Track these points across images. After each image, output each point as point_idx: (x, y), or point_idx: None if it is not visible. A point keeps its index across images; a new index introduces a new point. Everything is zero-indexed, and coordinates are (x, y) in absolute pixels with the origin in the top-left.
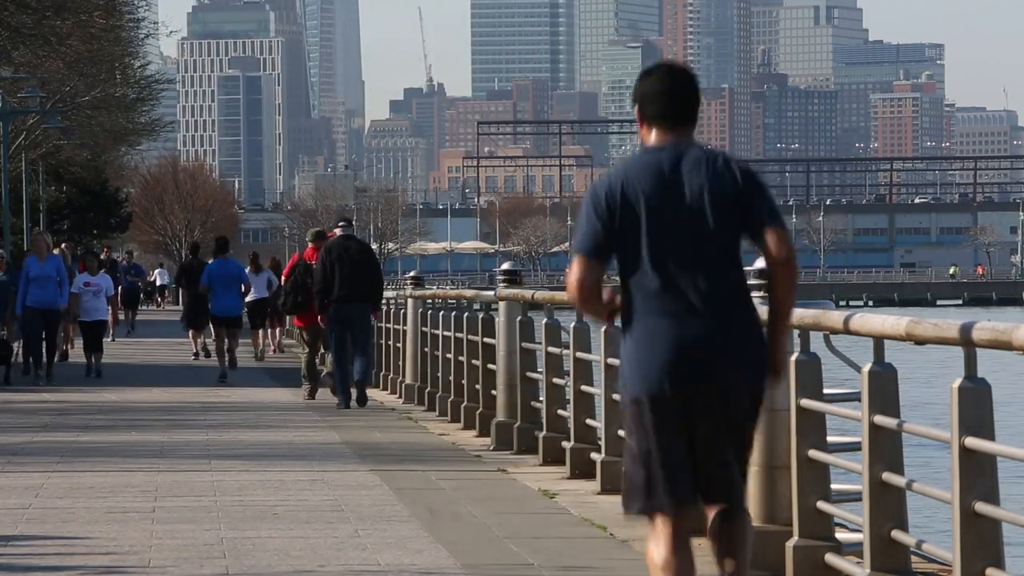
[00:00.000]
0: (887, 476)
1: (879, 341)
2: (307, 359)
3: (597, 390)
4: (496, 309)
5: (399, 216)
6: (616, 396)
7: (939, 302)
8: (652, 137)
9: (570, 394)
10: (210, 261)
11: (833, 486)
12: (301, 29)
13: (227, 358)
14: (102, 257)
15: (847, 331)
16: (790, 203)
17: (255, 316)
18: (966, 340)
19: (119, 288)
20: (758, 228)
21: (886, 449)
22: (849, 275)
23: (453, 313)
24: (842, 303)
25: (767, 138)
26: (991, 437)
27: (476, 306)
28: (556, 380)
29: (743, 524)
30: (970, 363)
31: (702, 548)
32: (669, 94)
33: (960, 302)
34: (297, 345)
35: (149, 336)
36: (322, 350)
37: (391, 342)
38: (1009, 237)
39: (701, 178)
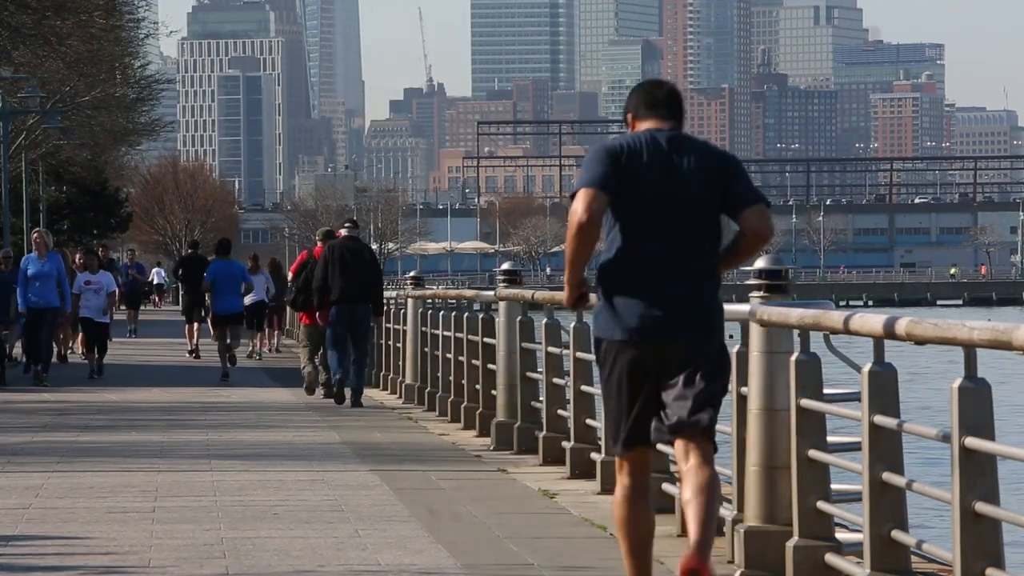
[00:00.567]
0: (887, 476)
1: (879, 341)
2: (308, 354)
3: (597, 390)
4: (496, 309)
5: (399, 216)
6: None
7: (939, 302)
8: (647, 125)
9: (570, 394)
10: (211, 259)
11: (833, 486)
12: (301, 29)
13: (228, 357)
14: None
15: (847, 331)
16: (790, 203)
17: (252, 317)
18: (966, 340)
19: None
20: (740, 205)
21: (886, 449)
22: (849, 275)
23: (453, 313)
24: (842, 303)
25: (767, 138)
26: (991, 437)
27: (476, 306)
28: (556, 380)
29: (712, 464)
30: (970, 363)
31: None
32: (664, 96)
33: (960, 302)
34: (297, 345)
35: (149, 336)
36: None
37: (391, 342)
38: (1009, 237)
39: (692, 158)
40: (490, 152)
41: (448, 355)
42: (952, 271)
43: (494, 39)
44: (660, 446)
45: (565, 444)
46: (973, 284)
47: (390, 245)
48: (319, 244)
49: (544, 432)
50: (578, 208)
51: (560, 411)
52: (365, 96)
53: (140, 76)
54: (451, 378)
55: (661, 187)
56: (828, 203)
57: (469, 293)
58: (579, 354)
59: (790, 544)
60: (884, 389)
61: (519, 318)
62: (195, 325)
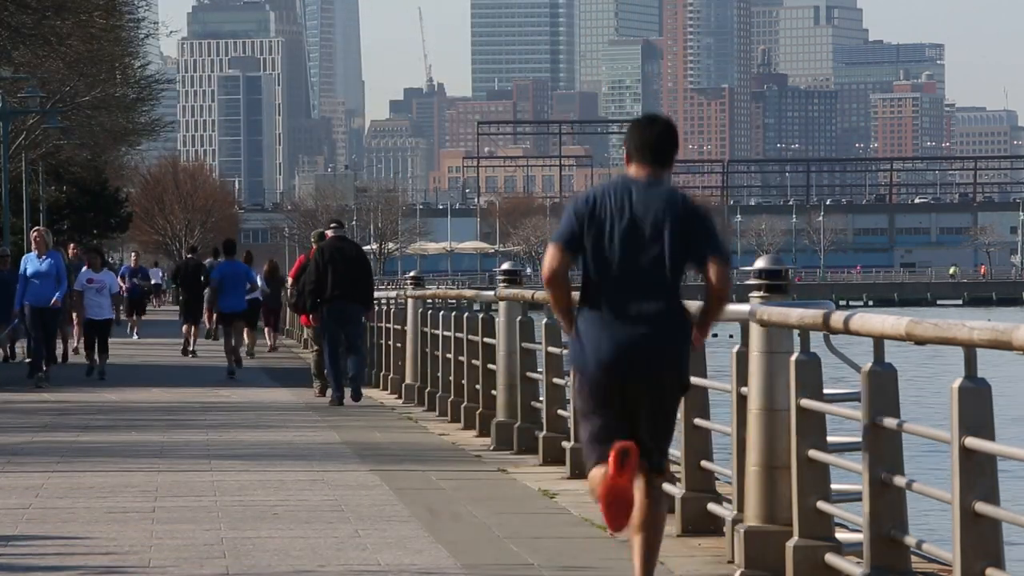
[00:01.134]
0: (887, 476)
1: (879, 341)
2: (316, 358)
3: None
4: (496, 309)
5: (399, 216)
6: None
7: (939, 302)
8: (632, 169)
9: (570, 394)
10: (220, 260)
11: (833, 486)
12: (301, 29)
13: (233, 356)
14: None
15: (847, 331)
16: (790, 203)
17: (247, 316)
18: (966, 340)
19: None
20: (702, 258)
21: (886, 449)
22: (849, 275)
23: (453, 313)
24: (842, 303)
25: (767, 138)
26: (991, 437)
27: (476, 306)
28: (556, 380)
29: (659, 498)
30: (970, 363)
31: (702, 548)
32: (653, 139)
33: (960, 302)
34: (297, 345)
35: (149, 336)
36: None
37: (391, 342)
38: (1009, 237)
39: (662, 209)
40: (490, 152)
41: (448, 355)
42: (951, 271)
43: (494, 39)
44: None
45: (565, 444)
46: (973, 284)
47: (390, 245)
48: (314, 246)
49: (544, 432)
50: (545, 267)
51: (560, 411)
52: (365, 96)
53: (140, 76)
54: (451, 378)
55: (626, 235)
56: (828, 203)
57: (469, 293)
58: None
59: (790, 544)
60: (884, 389)
61: (519, 318)
62: (192, 326)
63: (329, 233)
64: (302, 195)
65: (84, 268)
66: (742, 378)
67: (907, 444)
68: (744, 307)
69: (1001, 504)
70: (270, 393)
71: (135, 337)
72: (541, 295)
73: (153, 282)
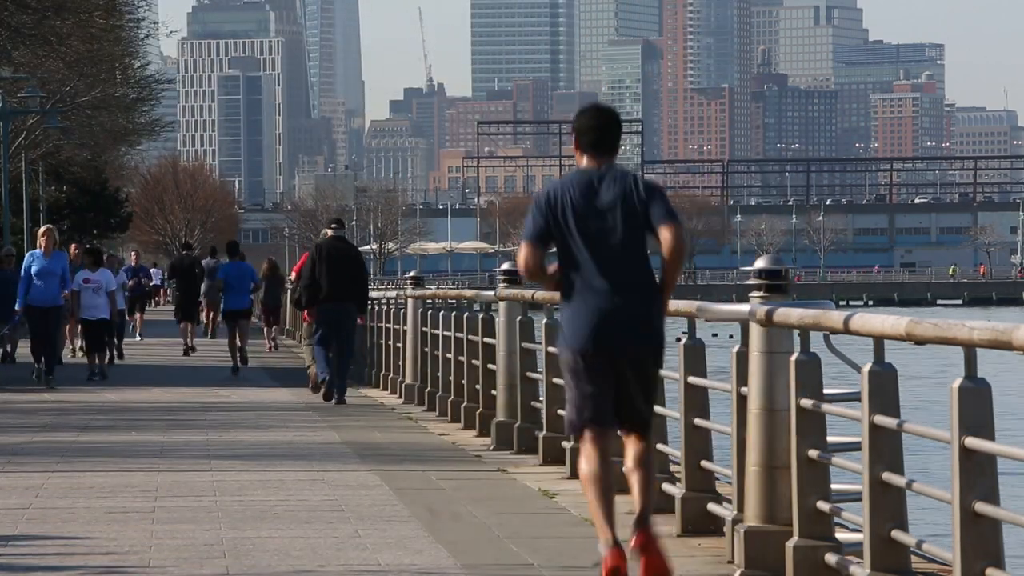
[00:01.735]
0: (887, 476)
1: (879, 341)
2: (308, 353)
3: None
4: (496, 309)
5: (399, 216)
6: None
7: (939, 302)
8: (584, 161)
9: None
10: (217, 259)
11: (833, 486)
12: (301, 29)
13: (240, 355)
14: None
15: (847, 331)
16: (790, 203)
17: (250, 314)
18: (966, 340)
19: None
20: (658, 224)
21: (886, 449)
22: (849, 275)
23: (453, 313)
24: (842, 303)
25: (767, 138)
26: (991, 437)
27: (476, 306)
28: (556, 380)
29: (648, 446)
30: (970, 363)
31: (702, 548)
32: (600, 132)
33: (960, 302)
34: (297, 345)
35: (149, 336)
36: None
37: (391, 342)
38: (1009, 237)
39: (619, 192)
40: (490, 152)
41: (448, 355)
42: (951, 270)
43: (494, 39)
44: (663, 448)
45: (565, 444)
46: (973, 284)
47: (390, 245)
48: None
49: (544, 432)
50: (520, 264)
51: (560, 411)
52: (365, 96)
53: (140, 76)
54: (451, 378)
55: (589, 222)
56: (828, 203)
57: (469, 293)
58: None
59: (790, 544)
60: (884, 389)
61: (519, 318)
62: (189, 324)
63: (329, 232)
64: (302, 195)
65: (82, 268)
66: (742, 378)
67: (907, 444)
68: (744, 307)
69: (1001, 504)
70: (270, 393)
71: (138, 337)
72: (541, 295)
73: (153, 282)
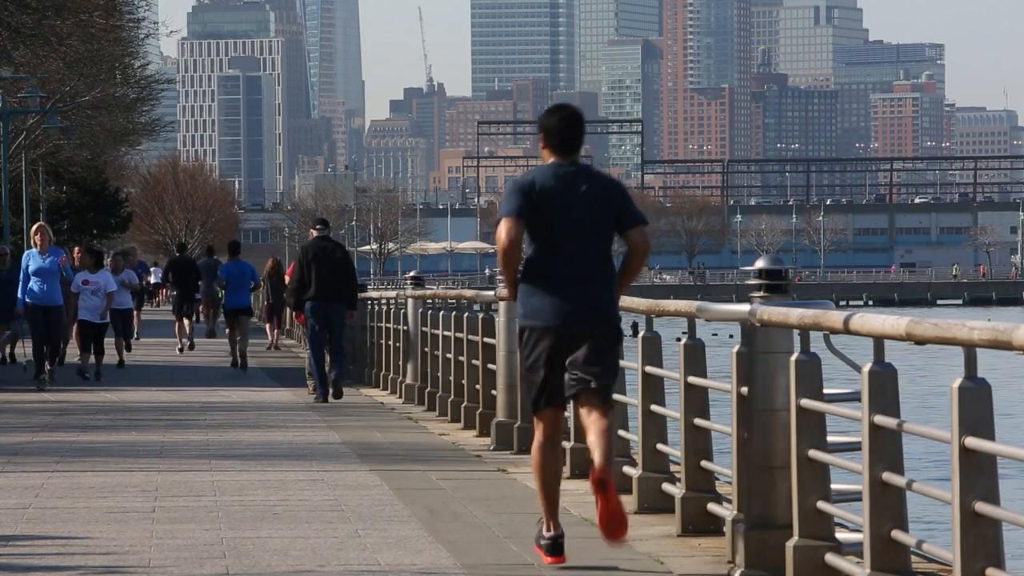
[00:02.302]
0: (887, 476)
1: (879, 341)
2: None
3: None
4: (496, 309)
5: (399, 216)
6: (616, 396)
7: (939, 302)
8: (551, 158)
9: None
10: (216, 259)
11: (833, 486)
12: (301, 29)
13: (241, 358)
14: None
15: (847, 331)
16: (790, 203)
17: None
18: (966, 340)
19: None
20: (626, 225)
21: (886, 449)
22: (849, 275)
23: (453, 313)
24: (842, 303)
25: (767, 138)
26: (991, 437)
27: (476, 306)
28: None
29: (609, 416)
30: (970, 363)
31: (702, 548)
32: (566, 133)
33: (960, 302)
34: (297, 345)
35: (148, 336)
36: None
37: (391, 342)
38: (1009, 237)
39: (587, 188)
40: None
41: (448, 355)
42: (954, 270)
43: (494, 39)
44: (663, 447)
45: (565, 444)
46: (973, 284)
47: (390, 245)
48: None
49: None
50: (501, 235)
51: None
52: (365, 96)
53: (140, 76)
54: (451, 378)
55: (563, 212)
56: (828, 203)
57: (469, 293)
58: None
59: (790, 544)
60: (884, 389)
61: None
62: (185, 322)
63: (314, 232)
64: (302, 195)
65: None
66: (742, 378)
67: (907, 444)
68: (744, 307)
69: (1001, 504)
70: (270, 393)
71: (136, 337)
72: None
73: (154, 281)
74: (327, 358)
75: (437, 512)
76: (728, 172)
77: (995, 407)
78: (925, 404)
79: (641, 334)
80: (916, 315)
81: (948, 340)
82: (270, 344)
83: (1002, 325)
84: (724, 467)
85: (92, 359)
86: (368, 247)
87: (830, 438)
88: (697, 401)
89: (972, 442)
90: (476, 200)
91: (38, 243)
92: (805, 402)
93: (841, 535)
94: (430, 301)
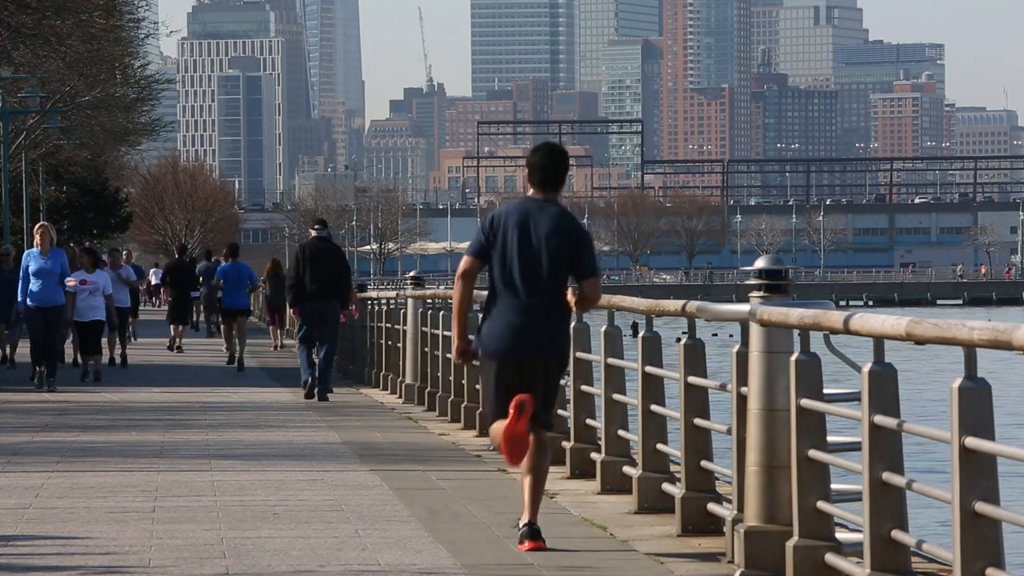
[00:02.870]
0: (887, 476)
1: (879, 341)
2: None
3: (597, 390)
4: None
5: (399, 216)
6: (616, 396)
7: (939, 302)
8: (531, 192)
9: (570, 394)
10: (215, 261)
11: (833, 486)
12: (301, 29)
13: (238, 360)
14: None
15: (847, 331)
16: (790, 203)
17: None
18: (966, 340)
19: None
20: (581, 273)
21: (886, 449)
22: (849, 275)
23: None
24: (842, 303)
25: (767, 138)
26: (991, 437)
27: (476, 306)
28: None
29: (544, 436)
30: (970, 363)
31: (702, 548)
32: (548, 169)
33: (960, 302)
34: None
35: (147, 336)
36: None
37: (391, 342)
38: (1009, 237)
39: (552, 227)
40: (490, 152)
41: (448, 355)
42: (959, 270)
43: (494, 39)
44: (663, 447)
45: (565, 444)
46: (973, 284)
47: (390, 245)
48: None
49: None
50: (459, 269)
51: (560, 411)
52: (365, 96)
53: (140, 76)
54: (451, 378)
55: (523, 248)
56: (828, 203)
57: None
58: (579, 354)
59: (790, 544)
60: (884, 389)
61: None
62: (179, 327)
63: (312, 232)
64: (302, 195)
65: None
66: (742, 378)
67: (907, 444)
68: (744, 307)
69: (1001, 504)
70: (270, 393)
71: (132, 339)
72: None
73: (154, 282)
74: (316, 359)
75: (437, 512)
76: (728, 172)
77: (995, 407)
78: (920, 404)
79: (641, 334)
80: (916, 315)
81: (948, 340)
82: (274, 345)
83: (1002, 325)
84: (724, 467)
85: (92, 360)
86: (368, 247)
87: (830, 438)
88: (697, 401)
89: (972, 442)
90: (476, 200)
91: (39, 242)
92: (805, 402)
93: (841, 535)
94: (430, 301)
